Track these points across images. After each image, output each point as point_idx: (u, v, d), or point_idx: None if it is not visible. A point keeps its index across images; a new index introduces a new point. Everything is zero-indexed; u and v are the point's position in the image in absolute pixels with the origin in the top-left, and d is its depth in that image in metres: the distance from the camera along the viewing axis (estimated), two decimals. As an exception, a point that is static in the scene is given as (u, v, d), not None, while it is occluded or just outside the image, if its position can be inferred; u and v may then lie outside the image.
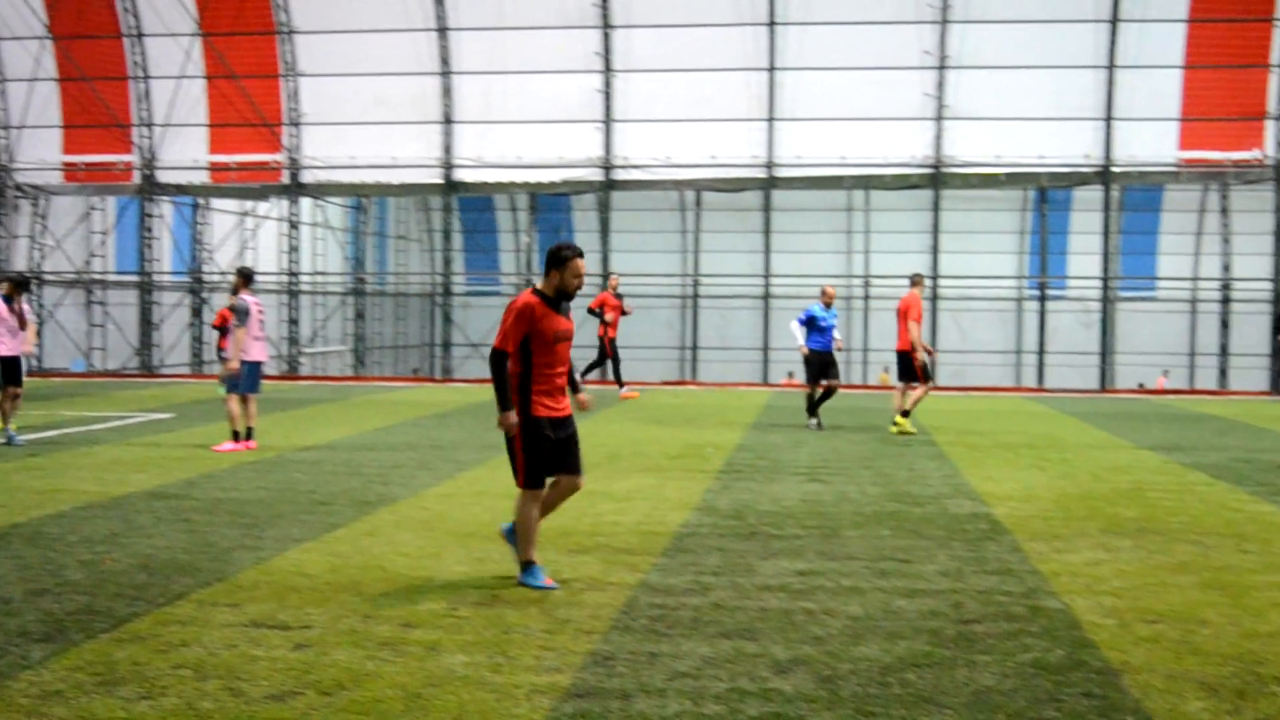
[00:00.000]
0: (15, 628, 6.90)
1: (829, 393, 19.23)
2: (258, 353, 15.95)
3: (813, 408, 19.14)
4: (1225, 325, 33.74)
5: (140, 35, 33.29)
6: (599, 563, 8.74)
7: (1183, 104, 30.59)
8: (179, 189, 34.25)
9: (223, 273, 34.92)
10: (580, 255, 8.05)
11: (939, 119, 30.79)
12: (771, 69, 31.27)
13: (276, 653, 6.46)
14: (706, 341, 38.39)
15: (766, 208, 33.25)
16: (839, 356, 19.46)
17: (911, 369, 18.25)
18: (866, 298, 40.04)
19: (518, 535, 8.11)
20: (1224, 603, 7.76)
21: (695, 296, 38.50)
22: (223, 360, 16.38)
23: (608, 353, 24.37)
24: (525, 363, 7.95)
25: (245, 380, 15.70)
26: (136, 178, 33.98)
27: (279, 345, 34.84)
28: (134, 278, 35.46)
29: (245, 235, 37.74)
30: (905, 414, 18.16)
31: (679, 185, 34.22)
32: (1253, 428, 19.84)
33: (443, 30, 32.03)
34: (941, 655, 6.52)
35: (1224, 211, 37.77)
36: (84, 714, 5.53)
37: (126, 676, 6.05)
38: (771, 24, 31.07)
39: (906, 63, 30.63)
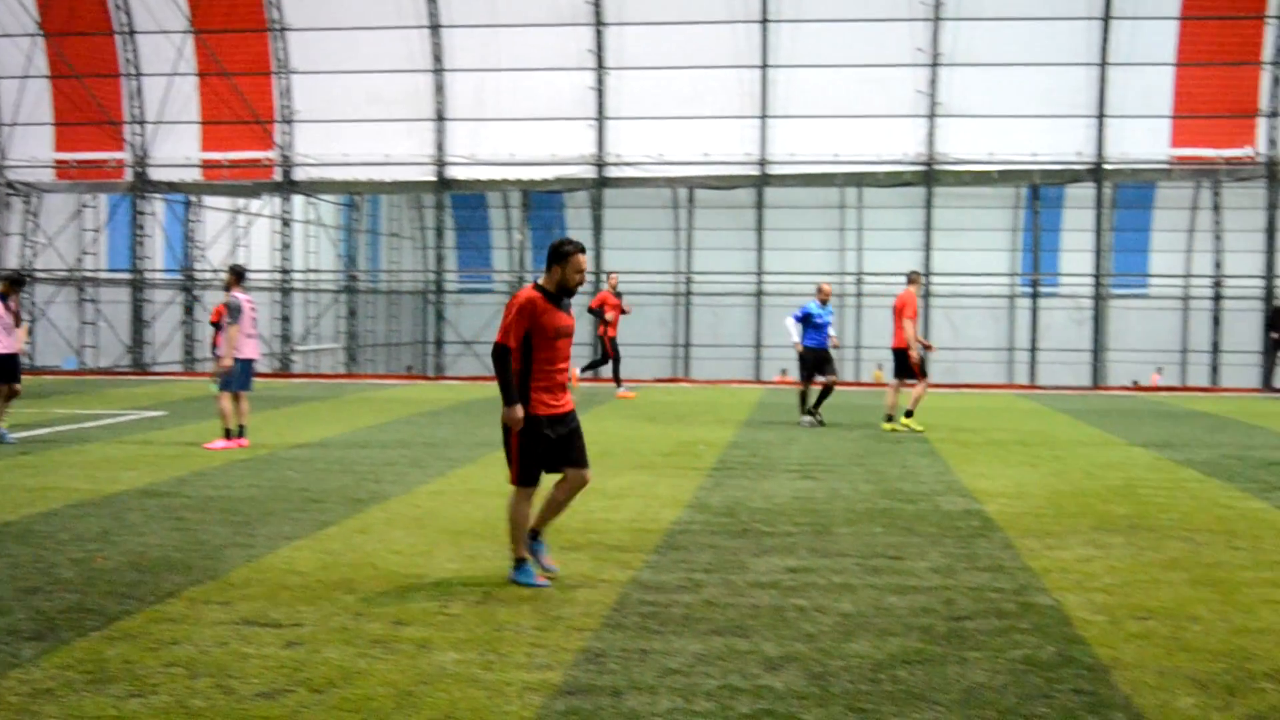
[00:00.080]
0: (5, 626, 6.89)
1: (828, 390, 19.23)
2: (250, 350, 15.93)
3: (806, 405, 19.15)
4: (1217, 322, 33.76)
5: (132, 32, 33.25)
6: (590, 560, 8.74)
7: (1175, 101, 30.66)
8: (171, 186, 34.20)
9: (215, 270, 34.88)
10: (582, 250, 8.02)
11: (931, 116, 30.83)
12: (764, 66, 31.29)
13: (268, 650, 6.46)
14: (699, 339, 38.42)
15: (759, 205, 33.25)
16: (833, 354, 19.46)
17: (907, 366, 18.27)
18: (859, 295, 40.08)
19: (510, 532, 8.09)
20: (1214, 599, 7.78)
21: (688, 294, 38.50)
22: (216, 357, 16.36)
23: (609, 352, 24.29)
24: (525, 359, 7.90)
25: (237, 378, 15.69)
26: (128, 175, 33.93)
27: (271, 343, 34.79)
28: (126, 275, 35.40)
29: (237, 233, 37.70)
30: (909, 414, 18.20)
31: (672, 182, 34.21)
32: (1244, 424, 19.87)
33: (435, 27, 32.02)
34: (933, 652, 6.53)
35: (1216, 209, 37.73)
36: (74, 712, 5.52)
37: (117, 674, 6.04)
38: (764, 21, 31.09)
39: (899, 60, 30.67)
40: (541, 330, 7.87)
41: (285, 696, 5.74)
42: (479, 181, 33.57)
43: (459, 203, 44.02)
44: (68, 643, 6.57)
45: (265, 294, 35.10)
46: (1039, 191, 33.31)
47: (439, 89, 32.36)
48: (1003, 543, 9.56)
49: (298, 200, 37.11)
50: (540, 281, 8.02)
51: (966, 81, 30.61)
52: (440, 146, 32.58)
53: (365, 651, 6.45)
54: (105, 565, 8.50)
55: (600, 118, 31.85)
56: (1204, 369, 36.17)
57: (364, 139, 32.54)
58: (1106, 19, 30.15)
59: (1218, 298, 34.37)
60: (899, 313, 18.25)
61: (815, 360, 19.06)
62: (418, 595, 7.69)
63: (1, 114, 34.02)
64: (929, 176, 31.24)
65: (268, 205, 37.39)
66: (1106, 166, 30.86)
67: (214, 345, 20.54)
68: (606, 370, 25.08)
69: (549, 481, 8.16)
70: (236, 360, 15.61)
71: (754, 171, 31.80)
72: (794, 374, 25.95)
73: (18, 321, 16.77)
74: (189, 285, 35.84)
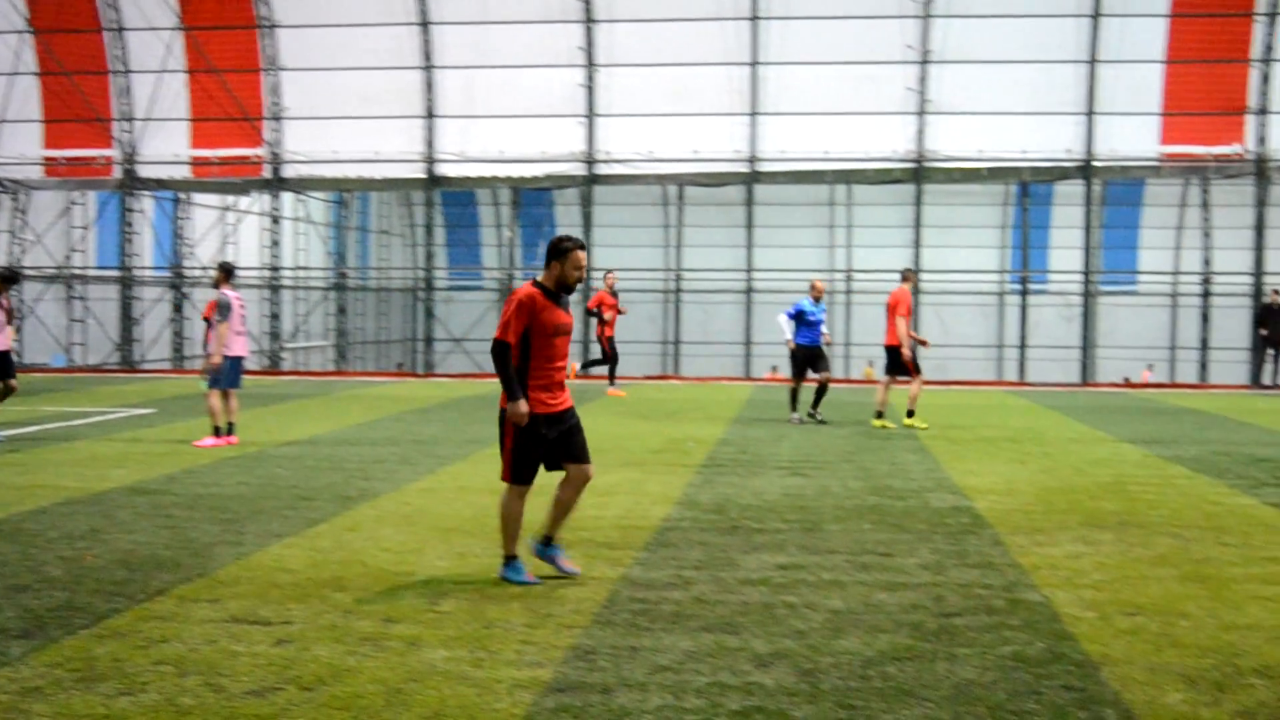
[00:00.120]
0: (-6, 624, 6.88)
1: (823, 387, 19.23)
2: (239, 348, 15.91)
3: (796, 403, 19.16)
4: (1206, 319, 33.84)
5: (121, 29, 33.15)
6: (580, 557, 8.73)
7: (1164, 99, 30.71)
8: (160, 184, 34.11)
9: (204, 268, 34.78)
10: (582, 247, 7.98)
11: (921, 113, 30.84)
12: (754, 63, 31.28)
13: (257, 648, 6.45)
14: (689, 336, 38.41)
15: (749, 202, 33.24)
16: (826, 351, 19.44)
17: (900, 363, 18.28)
18: (849, 292, 40.06)
19: (501, 529, 8.07)
20: (1203, 595, 7.80)
21: (678, 291, 38.48)
22: (207, 354, 16.32)
23: (607, 352, 24.22)
24: (523, 356, 7.84)
25: (227, 375, 15.66)
26: (117, 172, 33.84)
27: (260, 340, 34.73)
28: (115, 273, 35.31)
29: (226, 230, 37.58)
30: (910, 414, 18.22)
31: (661, 180, 34.20)
32: (1233, 421, 19.92)
33: (425, 24, 31.98)
34: (922, 648, 6.54)
35: (1205, 206, 37.87)
36: (64, 710, 5.51)
37: (106, 673, 6.03)
38: (754, 18, 31.09)
39: (889, 57, 30.67)
40: (540, 328, 7.82)
41: (275, 694, 5.74)
42: (469, 179, 33.51)
43: (449, 200, 43.88)
44: (57, 641, 6.55)
45: (254, 291, 34.99)
46: (1028, 188, 33.41)
47: (429, 86, 32.31)
48: (992, 539, 9.57)
49: (287, 197, 37.01)
50: (539, 279, 7.98)
51: (956, 79, 30.64)
52: (430, 144, 32.53)
53: (355, 649, 6.45)
54: (94, 563, 8.48)
55: (590, 115, 31.83)
56: (1193, 366, 36.21)
57: (354, 136, 32.48)
58: (1096, 16, 30.19)
59: (1206, 295, 34.47)
60: (892, 310, 18.25)
61: (808, 358, 19.04)
62: (407, 593, 7.69)
63: (-10, 111, 33.93)
64: (918, 173, 31.26)
65: (257, 202, 37.26)
66: (1096, 164, 30.89)
67: (206, 342, 20.54)
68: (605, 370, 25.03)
69: (550, 483, 8.14)
70: (226, 358, 15.58)
71: (744, 168, 31.80)
72: (784, 371, 26.01)
73: (10, 318, 16.73)
74: (178, 283, 35.75)
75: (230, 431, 15.67)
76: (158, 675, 5.99)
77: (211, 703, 5.61)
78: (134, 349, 34.54)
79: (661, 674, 6.08)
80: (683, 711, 5.56)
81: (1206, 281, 34.51)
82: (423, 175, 32.87)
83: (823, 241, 42.42)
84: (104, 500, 11.15)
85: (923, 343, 18.72)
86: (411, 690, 5.80)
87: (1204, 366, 33.64)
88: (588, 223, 32.58)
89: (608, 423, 18.61)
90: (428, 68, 32.19)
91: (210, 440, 15.44)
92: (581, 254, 7.95)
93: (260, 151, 33.20)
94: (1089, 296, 32.58)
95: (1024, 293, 33.62)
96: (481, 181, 34.12)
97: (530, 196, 42.14)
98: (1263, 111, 30.37)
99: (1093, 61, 30.36)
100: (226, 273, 15.92)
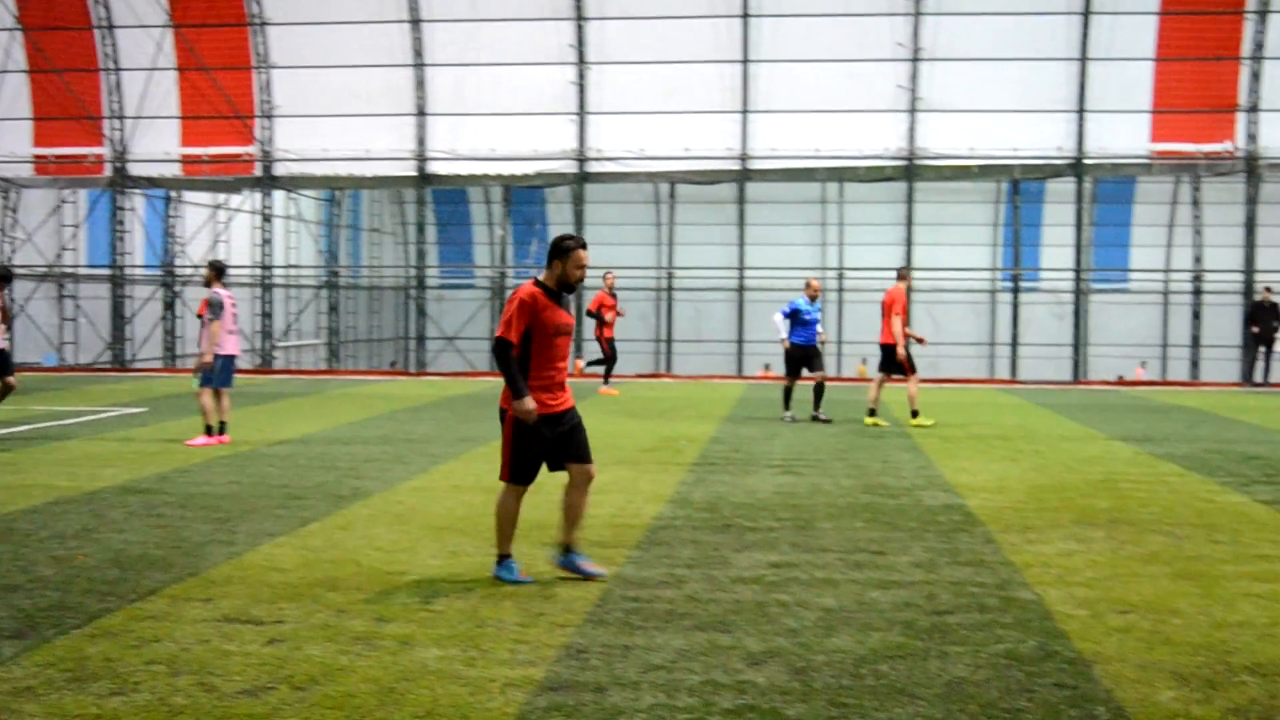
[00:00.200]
0: (-15, 624, 6.86)
1: (820, 387, 19.23)
2: (231, 346, 15.87)
3: (790, 401, 19.16)
4: (1197, 317, 33.93)
5: (111, 26, 33.09)
6: (573, 556, 8.71)
7: (1154, 96, 30.78)
8: (151, 182, 34.06)
9: (195, 266, 34.74)
10: (583, 246, 7.94)
11: (912, 111, 30.89)
12: (745, 61, 31.31)
13: (249, 648, 6.44)
14: (681, 334, 38.41)
15: (741, 200, 33.27)
16: (820, 349, 19.42)
17: (895, 362, 18.28)
18: (841, 290, 40.12)
19: (496, 527, 8.05)
20: (1195, 593, 7.81)
21: (670, 289, 38.48)
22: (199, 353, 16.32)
23: (606, 353, 24.20)
24: (524, 356, 7.81)
25: (218, 374, 15.63)
26: (108, 170, 33.79)
27: (252, 339, 34.70)
28: (106, 271, 35.25)
29: (218, 228, 37.51)
30: (914, 414, 18.22)
31: (653, 177, 34.23)
32: (1224, 419, 19.95)
33: (415, 22, 31.96)
34: (914, 646, 6.54)
35: (1195, 203, 37.94)
36: (55, 710, 5.50)
37: (98, 672, 6.02)
38: (745, 16, 31.11)
39: (880, 55, 30.72)
40: (541, 327, 7.79)
41: (267, 694, 5.73)
42: (460, 176, 33.50)
43: (440, 198, 43.91)
44: (49, 641, 6.54)
45: (246, 290, 34.99)
46: (1019, 186, 33.40)
47: (419, 84, 32.29)
48: (984, 537, 9.58)
49: (278, 195, 36.99)
50: (540, 278, 7.95)
51: (947, 76, 30.69)
52: (421, 141, 32.52)
53: (347, 648, 6.44)
54: (86, 563, 8.46)
55: (581, 112, 31.83)
56: (1184, 363, 36.33)
57: (344, 134, 32.45)
58: (1086, 14, 30.26)
59: (1198, 292, 34.56)
60: (888, 309, 18.24)
61: (803, 357, 19.04)
62: (400, 592, 7.68)
63: (-21, 109, 33.86)
64: (910, 171, 31.31)
65: (248, 200, 37.25)
66: (1086, 161, 30.96)
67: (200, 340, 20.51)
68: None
69: (549, 482, 8.12)
70: (218, 356, 15.55)
71: (735, 166, 31.82)
72: (777, 369, 25.98)
73: (4, 317, 16.69)
74: (169, 281, 35.70)
75: (222, 430, 15.64)
76: (150, 675, 5.98)
77: (204, 702, 5.60)
78: (125, 348, 34.49)
79: (654, 672, 6.08)
80: (675, 710, 5.55)
81: (1198, 279, 34.60)
82: (414, 173, 32.86)
83: (814, 239, 42.48)
84: (96, 499, 11.12)
85: (920, 340, 18.72)
86: (404, 689, 5.79)
87: (1195, 364, 33.74)
88: (579, 221, 32.59)
89: (600, 421, 18.59)
90: (419, 65, 32.17)
91: (202, 439, 15.41)
92: (584, 253, 7.92)
93: (251, 149, 33.16)
94: (1080, 294, 32.65)
95: (1015, 290, 33.66)
96: (473, 179, 34.10)
97: (522, 194, 42.11)
98: (1253, 109, 30.46)
99: (1083, 59, 30.43)
100: (217, 271, 15.87)
